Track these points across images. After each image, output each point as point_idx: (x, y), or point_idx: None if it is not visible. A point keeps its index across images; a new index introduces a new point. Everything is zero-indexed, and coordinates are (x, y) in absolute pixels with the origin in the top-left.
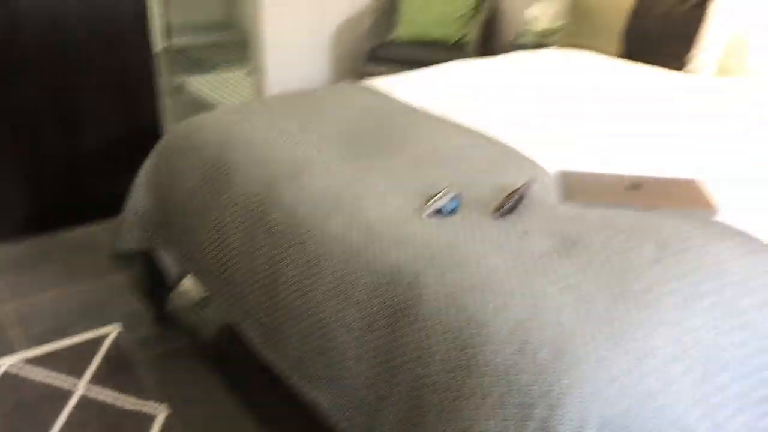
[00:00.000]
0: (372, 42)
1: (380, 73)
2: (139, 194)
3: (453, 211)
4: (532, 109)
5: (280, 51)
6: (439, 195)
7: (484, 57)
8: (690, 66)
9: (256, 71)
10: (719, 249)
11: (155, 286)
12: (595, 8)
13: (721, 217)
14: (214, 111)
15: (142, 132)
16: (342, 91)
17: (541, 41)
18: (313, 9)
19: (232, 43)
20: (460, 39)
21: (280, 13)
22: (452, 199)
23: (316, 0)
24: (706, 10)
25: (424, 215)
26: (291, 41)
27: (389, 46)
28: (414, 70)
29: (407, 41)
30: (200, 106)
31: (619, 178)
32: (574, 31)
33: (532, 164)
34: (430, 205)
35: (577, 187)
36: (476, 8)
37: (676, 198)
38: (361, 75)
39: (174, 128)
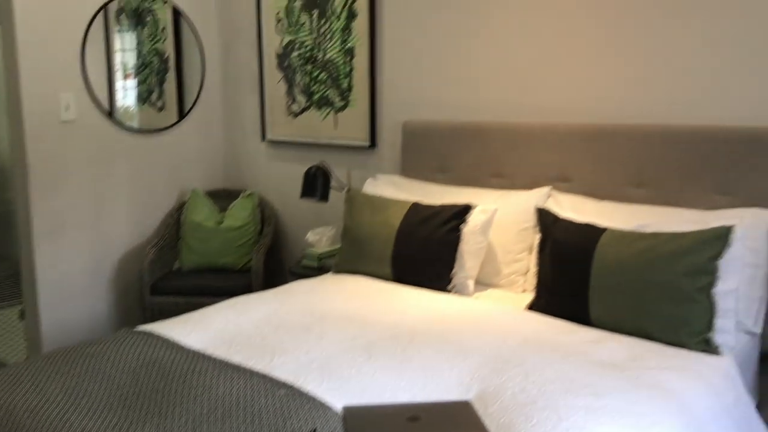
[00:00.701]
0: (155, 273)
1: (165, 305)
2: None
3: None
4: (317, 343)
5: (55, 287)
6: None
7: (268, 282)
8: (452, 284)
9: (27, 312)
10: None
11: None
12: (365, 235)
13: None
14: None
15: None
16: (120, 341)
17: (322, 264)
18: (92, 242)
19: (3, 277)
20: (245, 265)
21: (55, 246)
22: None
23: (95, 232)
24: (460, 233)
25: None
26: (68, 277)
27: (173, 276)
28: (199, 298)
29: (192, 270)
30: None
31: (400, 409)
32: (349, 256)
33: (320, 405)
34: None
35: (360, 424)
36: (259, 234)
37: (451, 425)
38: (146, 309)
39: None
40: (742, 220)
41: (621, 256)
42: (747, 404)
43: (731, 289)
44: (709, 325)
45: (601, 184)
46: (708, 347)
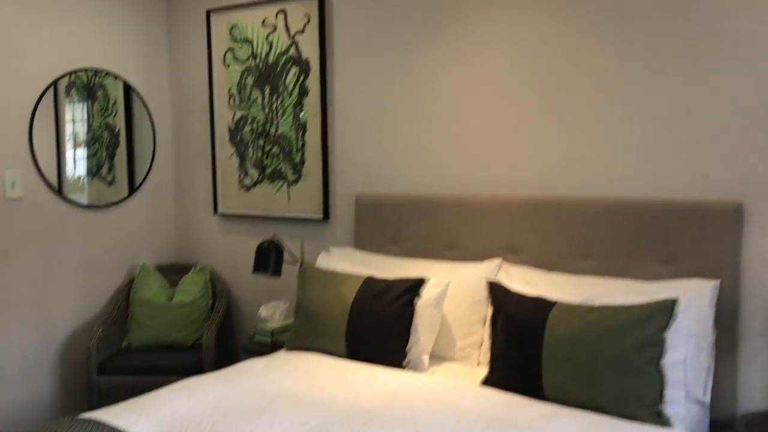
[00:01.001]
0: (103, 352)
1: (113, 385)
2: None
3: None
4: (269, 428)
5: None
6: None
7: (220, 359)
8: (407, 360)
9: None
10: None
11: None
12: (318, 310)
13: None
14: None
15: None
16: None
17: (276, 339)
18: (36, 321)
19: None
20: (196, 341)
21: None
22: None
23: (40, 311)
24: (414, 307)
25: None
26: (7, 358)
27: (122, 354)
28: (149, 377)
29: (141, 348)
30: None
31: None
32: (303, 333)
33: None
34: None
35: None
36: (211, 310)
37: None
38: (92, 390)
39: None
40: (685, 291)
41: (571, 329)
42: None
43: (679, 360)
44: (659, 397)
45: (550, 255)
46: (660, 419)
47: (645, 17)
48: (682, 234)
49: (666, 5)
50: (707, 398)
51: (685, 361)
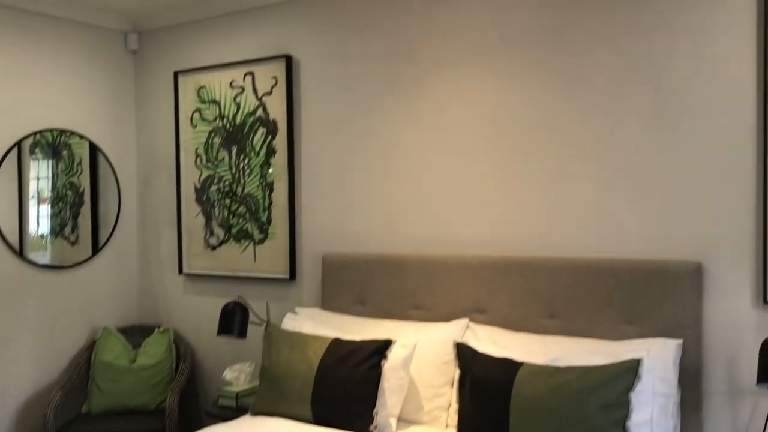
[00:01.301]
0: (62, 418)
1: None
2: None
3: None
4: None
5: None
6: None
7: (184, 424)
8: (374, 424)
9: None
10: None
11: None
12: (284, 374)
13: None
14: None
15: None
16: None
17: (241, 403)
18: None
19: None
20: (159, 405)
21: None
22: None
23: None
24: (381, 370)
25: None
26: None
27: (81, 420)
28: None
29: (101, 413)
30: None
31: None
32: (268, 397)
33: None
34: None
35: None
36: (175, 372)
37: None
38: None
39: None
40: (649, 351)
41: (538, 392)
42: None
43: (645, 420)
44: None
45: (516, 315)
46: None
47: (606, 78)
48: (646, 294)
49: (627, 66)
50: None
51: (651, 421)
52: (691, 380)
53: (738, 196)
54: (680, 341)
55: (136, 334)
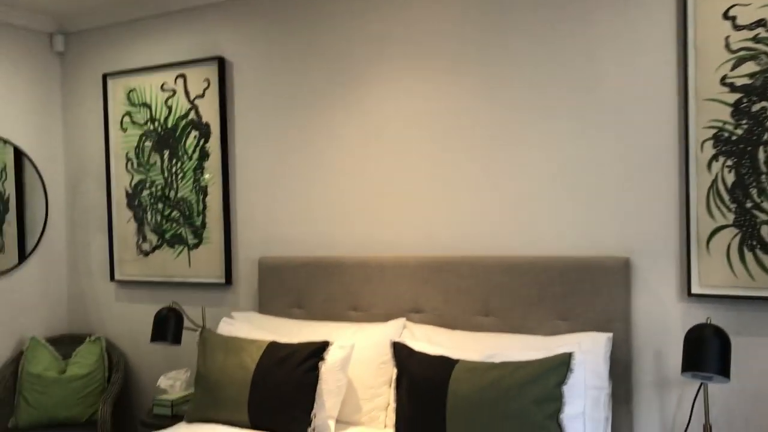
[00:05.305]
0: None
1: None
2: None
3: None
4: None
5: None
6: None
7: None
8: (312, 426)
9: None
10: None
11: None
12: (219, 380)
13: None
14: None
15: None
16: None
17: (177, 411)
18: None
19: None
20: (90, 417)
21: None
22: None
23: None
24: (319, 372)
25: None
26: None
27: None
28: None
29: (30, 427)
30: None
31: None
32: (203, 404)
33: None
34: None
35: None
36: (107, 382)
37: None
38: None
39: None
40: (580, 344)
41: (473, 388)
42: None
43: (578, 413)
44: None
45: (452, 313)
46: None
47: (532, 77)
48: (577, 290)
49: (553, 65)
50: None
51: (584, 413)
52: (621, 372)
53: (661, 192)
54: (610, 335)
55: (65, 343)
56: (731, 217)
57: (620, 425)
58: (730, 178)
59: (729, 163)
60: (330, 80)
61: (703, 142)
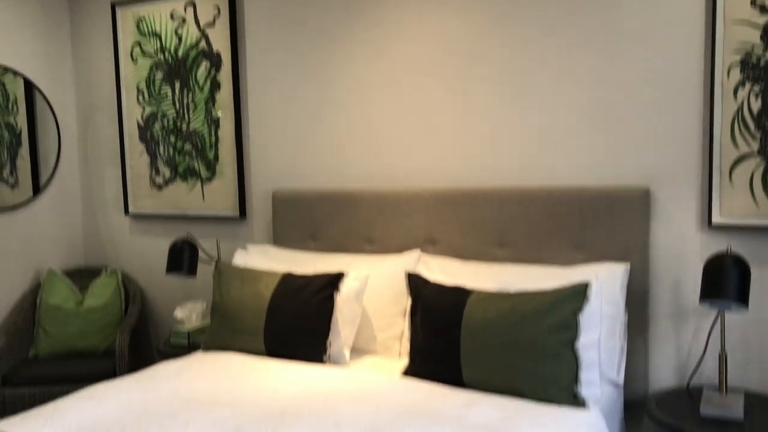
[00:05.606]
0: (7, 363)
1: (19, 397)
2: None
3: None
4: (183, 430)
5: None
6: None
7: (135, 365)
8: (328, 354)
9: None
10: None
11: None
12: (235, 309)
13: None
14: None
15: None
16: None
17: (193, 341)
18: None
19: None
20: (108, 347)
21: None
22: None
23: None
24: (334, 302)
25: None
26: None
27: (28, 364)
28: (59, 387)
29: (49, 357)
30: None
31: None
32: (220, 332)
33: None
34: None
35: None
36: (124, 314)
37: None
38: None
39: None
40: (597, 275)
41: (488, 317)
42: None
43: (593, 341)
44: (575, 379)
45: (467, 245)
46: (576, 401)
47: (557, 8)
48: (594, 220)
49: None
50: (621, 379)
51: (599, 343)
52: (637, 303)
53: (684, 120)
54: (627, 265)
55: (82, 276)
56: (756, 145)
57: (635, 355)
58: (757, 105)
59: (756, 89)
60: (344, 9)
61: (730, 67)
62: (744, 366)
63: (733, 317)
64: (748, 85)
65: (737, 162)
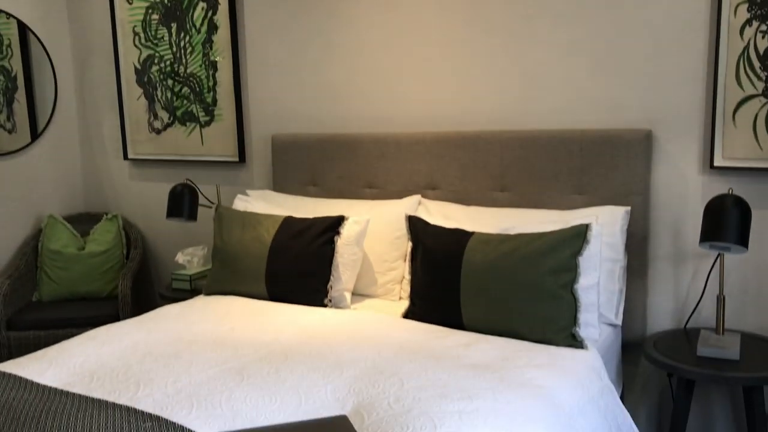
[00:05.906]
0: (11, 307)
1: (24, 340)
2: None
3: None
4: (186, 370)
5: None
6: None
7: (138, 309)
8: (329, 298)
9: None
10: None
11: None
12: (236, 253)
13: None
14: None
15: None
16: None
17: (195, 285)
18: None
19: None
20: (111, 292)
21: None
22: None
23: None
24: (335, 245)
25: None
26: None
27: (32, 308)
28: (63, 330)
29: (52, 301)
30: None
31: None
32: (221, 276)
33: None
34: None
35: None
36: (126, 258)
37: None
38: (1, 346)
39: None
40: (598, 217)
41: (487, 258)
42: (612, 394)
43: (592, 283)
44: (573, 320)
45: (468, 190)
46: (574, 342)
47: None
48: (596, 163)
49: None
50: (619, 320)
51: (598, 285)
52: (638, 245)
53: (689, 62)
54: (628, 208)
55: (83, 221)
56: (761, 86)
57: (634, 297)
58: (764, 44)
59: (763, 28)
60: None
61: (738, 4)
62: (741, 309)
63: (732, 260)
64: (755, 24)
65: (741, 103)
